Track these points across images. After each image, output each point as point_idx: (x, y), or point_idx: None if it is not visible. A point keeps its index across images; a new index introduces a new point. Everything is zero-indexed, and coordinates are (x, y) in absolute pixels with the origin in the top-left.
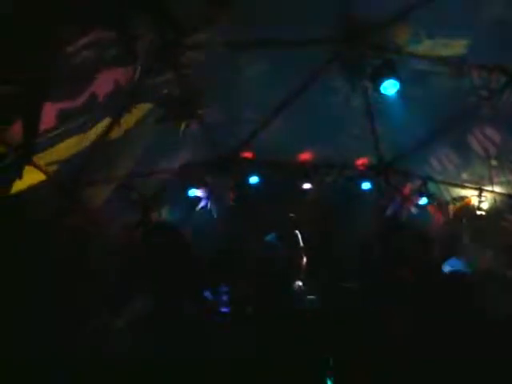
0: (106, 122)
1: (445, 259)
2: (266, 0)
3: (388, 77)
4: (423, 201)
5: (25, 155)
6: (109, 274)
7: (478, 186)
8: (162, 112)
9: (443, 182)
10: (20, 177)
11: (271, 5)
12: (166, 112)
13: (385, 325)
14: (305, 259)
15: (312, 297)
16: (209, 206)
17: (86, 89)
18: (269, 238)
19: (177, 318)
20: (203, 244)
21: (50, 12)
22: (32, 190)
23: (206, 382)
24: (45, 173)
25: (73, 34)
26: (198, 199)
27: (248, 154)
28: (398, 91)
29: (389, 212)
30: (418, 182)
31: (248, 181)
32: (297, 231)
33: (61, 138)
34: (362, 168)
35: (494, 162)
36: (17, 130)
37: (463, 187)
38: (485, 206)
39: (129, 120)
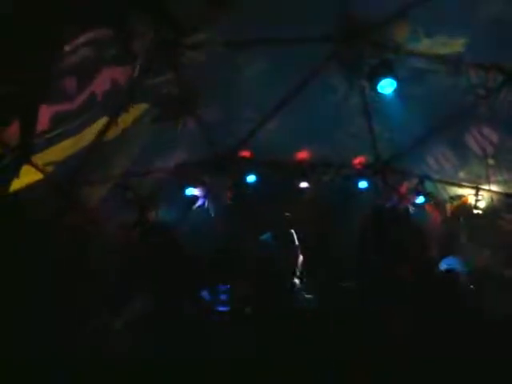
0: (102, 121)
1: (442, 258)
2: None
3: (385, 76)
4: (420, 200)
5: (22, 155)
6: (107, 273)
7: (475, 185)
8: (158, 111)
9: (440, 181)
10: (17, 176)
11: (271, 4)
12: (164, 111)
13: (384, 324)
14: (301, 258)
15: (310, 296)
16: (206, 204)
17: (85, 88)
18: (264, 237)
19: (174, 318)
20: (201, 243)
21: (50, 12)
22: (30, 189)
23: (206, 381)
24: (42, 172)
25: (72, 34)
26: (195, 198)
27: (245, 153)
28: (395, 90)
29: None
30: (415, 181)
31: (245, 180)
32: (292, 230)
33: (58, 139)
34: (359, 167)
35: (490, 161)
36: (14, 131)
37: (460, 186)
38: (482, 204)
39: (126, 119)
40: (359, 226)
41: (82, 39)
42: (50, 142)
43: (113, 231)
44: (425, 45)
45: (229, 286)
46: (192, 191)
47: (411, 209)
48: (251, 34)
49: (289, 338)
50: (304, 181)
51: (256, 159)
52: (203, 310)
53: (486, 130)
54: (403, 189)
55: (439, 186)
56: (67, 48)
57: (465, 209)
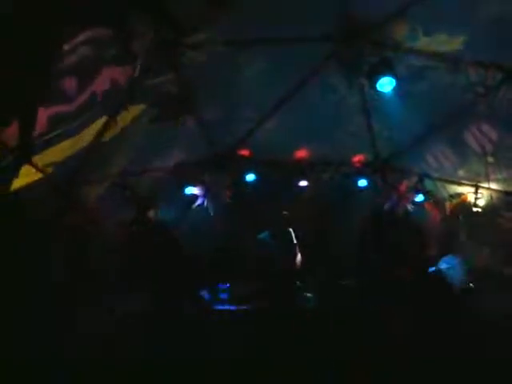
0: (102, 121)
1: (441, 256)
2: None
3: (384, 74)
4: (420, 198)
5: (22, 156)
6: (107, 273)
7: (474, 183)
8: (158, 110)
9: (440, 179)
10: (17, 176)
11: (271, 4)
12: (163, 110)
13: (384, 324)
14: (299, 256)
15: (309, 294)
16: (205, 203)
17: (86, 88)
18: (262, 236)
19: (174, 318)
20: (200, 242)
21: (50, 12)
22: (30, 189)
23: (206, 381)
24: (42, 172)
25: (71, 33)
26: (194, 197)
27: (245, 152)
28: (394, 88)
29: (386, 208)
30: (415, 179)
31: (245, 179)
32: (290, 229)
33: (57, 139)
34: (358, 165)
35: (490, 159)
36: (13, 132)
37: (460, 184)
38: (481, 202)
39: (125, 118)
40: (358, 229)
41: (81, 38)
42: (50, 143)
43: (112, 231)
44: (424, 43)
45: (228, 284)
46: (191, 190)
47: (410, 207)
48: (251, 33)
49: (289, 338)
50: (303, 179)
51: (255, 158)
52: (203, 309)
53: (485, 128)
54: (403, 187)
55: (438, 184)
56: (66, 47)
57: (464, 207)
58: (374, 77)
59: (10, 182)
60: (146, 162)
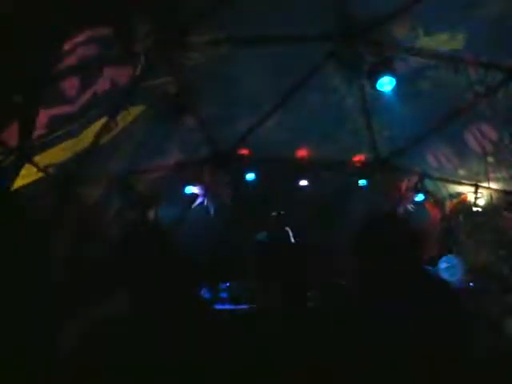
0: (102, 121)
1: (441, 256)
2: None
3: (384, 74)
4: (420, 197)
5: (23, 156)
6: (107, 272)
7: (474, 183)
8: (157, 109)
9: (440, 179)
10: (18, 176)
11: (271, 4)
12: (163, 109)
13: (384, 323)
14: (298, 256)
15: (308, 294)
16: (205, 203)
17: (87, 89)
18: (260, 236)
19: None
20: (200, 241)
21: (50, 12)
22: (30, 189)
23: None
24: (42, 172)
25: (71, 32)
26: (194, 196)
27: (245, 151)
28: (394, 88)
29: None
30: (415, 179)
31: (245, 178)
32: (287, 228)
33: (58, 140)
34: (358, 165)
35: (490, 159)
36: (13, 132)
37: (460, 184)
38: (481, 202)
39: (125, 117)
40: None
41: (81, 37)
42: (51, 143)
43: (112, 230)
44: (424, 42)
45: (229, 283)
46: (191, 189)
47: (410, 207)
48: (251, 33)
49: (289, 338)
50: (303, 179)
51: (255, 157)
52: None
53: (486, 128)
54: (403, 187)
55: (439, 183)
56: (66, 47)
57: (464, 206)
58: (373, 77)
59: (10, 181)
60: (146, 161)
